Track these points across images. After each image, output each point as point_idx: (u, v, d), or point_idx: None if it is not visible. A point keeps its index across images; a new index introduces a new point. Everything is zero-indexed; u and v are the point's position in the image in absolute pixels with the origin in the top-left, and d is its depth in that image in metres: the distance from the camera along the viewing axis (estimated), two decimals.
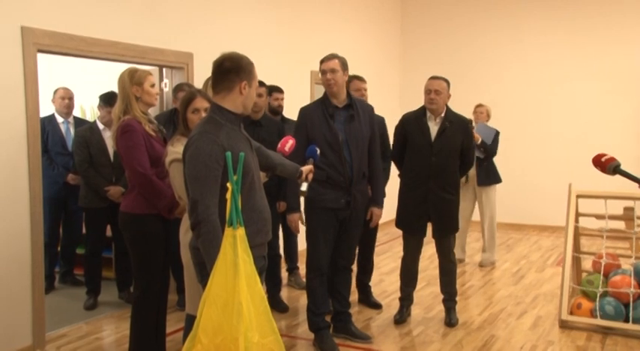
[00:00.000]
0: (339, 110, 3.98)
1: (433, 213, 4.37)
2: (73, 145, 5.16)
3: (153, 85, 3.48)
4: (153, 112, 5.19)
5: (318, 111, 3.97)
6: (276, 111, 5.33)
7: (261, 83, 4.75)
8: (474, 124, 6.24)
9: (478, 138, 6.11)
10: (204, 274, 2.57)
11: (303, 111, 4.07)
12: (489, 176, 6.36)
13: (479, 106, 6.70)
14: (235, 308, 2.21)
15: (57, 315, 4.70)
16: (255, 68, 2.73)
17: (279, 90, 5.40)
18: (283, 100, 5.42)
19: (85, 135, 4.98)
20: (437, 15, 9.27)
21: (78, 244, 5.70)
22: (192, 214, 2.54)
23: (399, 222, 4.56)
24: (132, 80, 3.41)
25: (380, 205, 4.20)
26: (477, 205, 6.55)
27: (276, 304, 4.86)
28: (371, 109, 4.16)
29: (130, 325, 3.53)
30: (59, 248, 5.65)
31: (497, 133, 6.34)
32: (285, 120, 5.35)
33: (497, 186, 6.49)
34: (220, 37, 5.55)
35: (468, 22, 9.02)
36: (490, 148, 6.24)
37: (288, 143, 3.26)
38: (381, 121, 4.77)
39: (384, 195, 4.30)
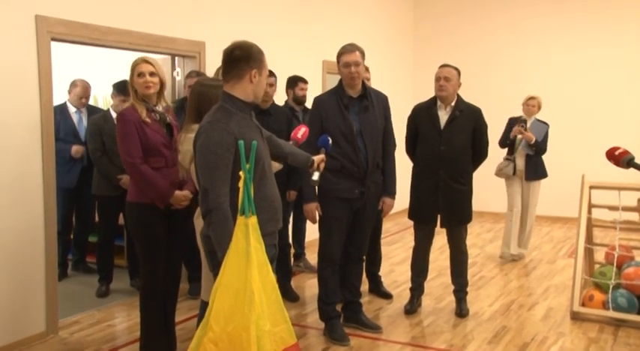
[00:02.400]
0: (354, 101, 3.95)
1: (443, 203, 4.35)
2: (86, 133, 5.18)
3: (141, 75, 3.44)
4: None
5: (333, 101, 3.93)
6: (301, 100, 5.42)
7: (271, 73, 4.77)
8: (526, 119, 6.05)
9: (532, 138, 5.90)
10: (215, 262, 2.58)
11: (318, 101, 4.04)
12: (537, 171, 6.13)
13: (530, 98, 6.21)
14: (247, 296, 2.21)
15: (70, 302, 4.75)
16: (265, 57, 2.72)
17: (304, 80, 5.47)
18: (307, 90, 5.46)
19: (98, 123, 4.99)
20: (450, 6, 9.20)
21: (90, 232, 5.74)
22: (203, 203, 2.55)
23: (412, 213, 4.54)
24: (130, 71, 3.48)
25: (392, 195, 4.17)
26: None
27: (287, 294, 4.87)
28: (385, 99, 4.12)
29: (140, 313, 3.56)
30: (72, 236, 5.69)
31: (547, 128, 6.08)
32: (307, 110, 5.39)
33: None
34: (232, 26, 5.54)
35: (481, 14, 8.95)
36: (541, 146, 6.01)
37: (301, 131, 3.27)
38: None
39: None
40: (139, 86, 3.45)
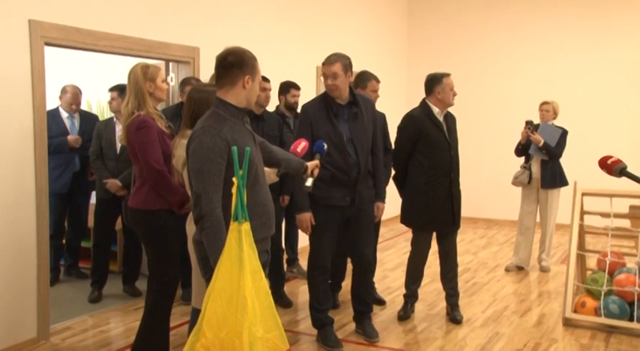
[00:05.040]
0: (343, 108, 3.93)
1: (455, 207, 4.41)
2: (93, 137, 5.16)
3: (164, 81, 3.50)
4: (159, 106, 5.21)
5: (322, 109, 3.89)
6: (292, 107, 5.36)
7: (265, 78, 4.79)
8: (532, 121, 5.88)
9: (540, 140, 5.70)
10: (207, 268, 2.58)
11: (306, 109, 3.97)
12: (555, 178, 5.87)
13: (544, 103, 6.02)
14: (240, 303, 2.21)
15: (62, 307, 4.73)
16: (258, 63, 2.72)
17: (296, 87, 5.41)
18: (299, 97, 5.44)
19: (99, 128, 5.10)
20: (444, 11, 9.24)
21: (83, 237, 5.72)
22: (195, 208, 2.54)
23: (424, 221, 4.44)
24: (145, 76, 3.39)
25: (384, 199, 4.21)
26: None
27: (280, 300, 4.87)
28: (372, 104, 4.14)
29: (143, 318, 3.50)
30: (64, 241, 5.67)
31: (563, 133, 5.85)
32: (298, 116, 5.39)
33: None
34: (227, 32, 5.55)
35: (476, 19, 9.00)
36: (554, 151, 5.77)
37: (301, 145, 3.25)
38: (382, 117, 4.79)
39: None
40: (162, 92, 3.46)
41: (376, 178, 4.15)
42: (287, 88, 5.37)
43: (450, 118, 4.48)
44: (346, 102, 3.93)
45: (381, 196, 4.18)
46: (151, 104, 3.42)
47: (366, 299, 4.24)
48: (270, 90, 4.89)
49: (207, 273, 2.54)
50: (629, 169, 2.52)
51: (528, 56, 8.65)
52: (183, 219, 3.39)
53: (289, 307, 4.89)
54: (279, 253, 5.01)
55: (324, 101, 3.92)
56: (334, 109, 3.89)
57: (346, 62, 3.86)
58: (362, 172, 3.93)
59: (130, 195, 3.55)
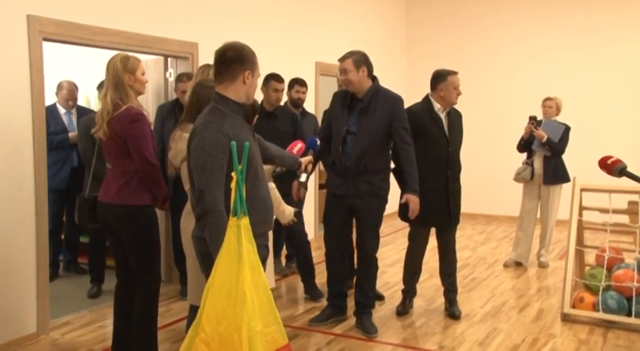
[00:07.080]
0: (357, 102, 4.05)
1: (452, 203, 4.43)
2: (78, 134, 5.15)
3: (143, 74, 3.38)
4: (157, 102, 5.20)
5: (342, 100, 4.12)
6: (297, 104, 5.34)
7: (279, 79, 4.80)
8: (536, 117, 5.87)
9: (543, 136, 5.68)
10: (207, 264, 2.58)
11: (334, 96, 4.25)
12: (557, 175, 5.86)
13: (547, 99, 6.03)
14: (239, 297, 2.21)
15: (61, 303, 4.73)
16: (257, 58, 2.72)
17: (300, 83, 5.39)
18: (305, 93, 5.41)
19: (87, 124, 4.93)
20: (443, 9, 9.24)
21: (82, 233, 5.71)
22: (198, 205, 2.53)
23: (419, 217, 4.33)
24: (125, 67, 3.26)
25: (413, 191, 4.01)
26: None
27: (310, 291, 4.88)
28: (395, 100, 4.06)
29: (139, 315, 3.45)
30: (63, 236, 5.67)
31: (566, 129, 5.82)
32: (304, 113, 5.39)
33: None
34: (225, 27, 5.55)
35: (475, 17, 9.00)
36: (557, 147, 5.76)
37: (297, 146, 3.37)
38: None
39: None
40: (142, 85, 3.38)
41: (404, 170, 4.05)
42: (291, 84, 5.38)
43: (453, 115, 4.47)
44: (362, 96, 4.03)
45: (410, 188, 4.02)
46: (135, 98, 3.30)
47: (367, 292, 4.25)
48: (282, 91, 4.89)
49: (208, 269, 2.55)
50: (630, 166, 2.52)
51: (529, 54, 8.65)
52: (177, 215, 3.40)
53: (320, 299, 4.81)
54: (306, 245, 4.96)
55: (346, 93, 4.13)
56: (348, 101, 4.08)
57: (358, 58, 4.00)
58: (354, 164, 3.99)
59: (108, 193, 3.37)
